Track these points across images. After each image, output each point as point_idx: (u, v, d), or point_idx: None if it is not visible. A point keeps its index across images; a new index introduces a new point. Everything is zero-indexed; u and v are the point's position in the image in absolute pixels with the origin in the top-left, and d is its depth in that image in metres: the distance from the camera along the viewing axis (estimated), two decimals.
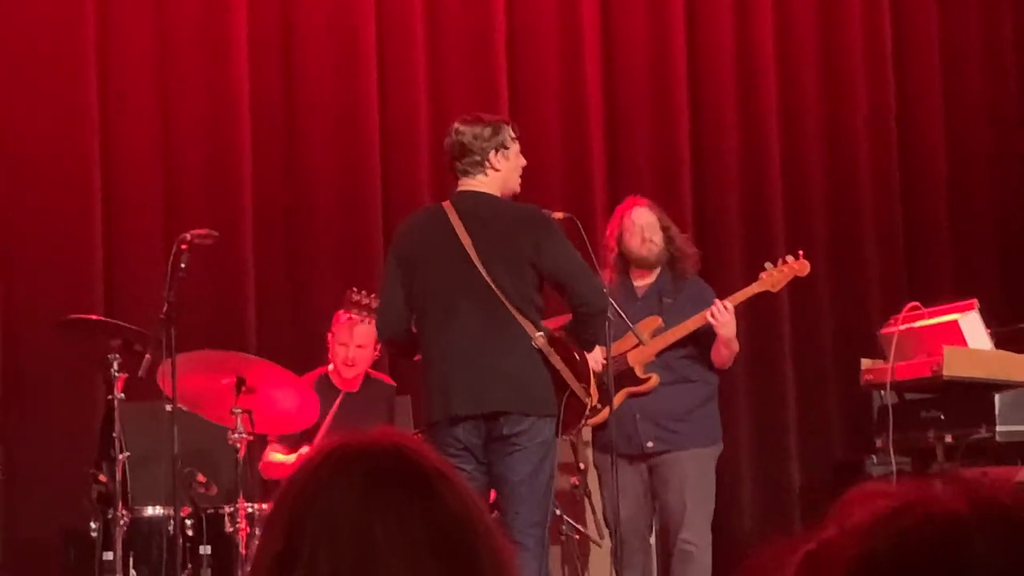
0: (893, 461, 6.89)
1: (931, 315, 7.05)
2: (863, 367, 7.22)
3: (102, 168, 7.76)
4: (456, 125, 5.79)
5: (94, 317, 6.78)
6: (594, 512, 6.82)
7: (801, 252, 6.80)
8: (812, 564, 1.26)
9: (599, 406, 6.66)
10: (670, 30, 8.58)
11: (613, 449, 6.33)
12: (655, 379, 6.58)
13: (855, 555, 1.22)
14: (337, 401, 6.59)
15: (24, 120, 7.72)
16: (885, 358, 7.00)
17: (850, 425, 8.34)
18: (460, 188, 5.74)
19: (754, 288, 6.73)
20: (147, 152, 7.86)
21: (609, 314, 6.16)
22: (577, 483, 6.82)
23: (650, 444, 6.56)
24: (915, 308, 7.09)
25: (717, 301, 6.55)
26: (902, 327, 6.98)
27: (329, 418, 6.51)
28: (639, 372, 6.58)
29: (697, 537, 6.53)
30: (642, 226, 6.72)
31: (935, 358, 6.74)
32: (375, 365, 6.96)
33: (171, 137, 7.91)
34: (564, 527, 6.80)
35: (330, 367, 6.85)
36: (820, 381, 8.57)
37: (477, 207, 5.67)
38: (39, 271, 7.62)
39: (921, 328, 7.01)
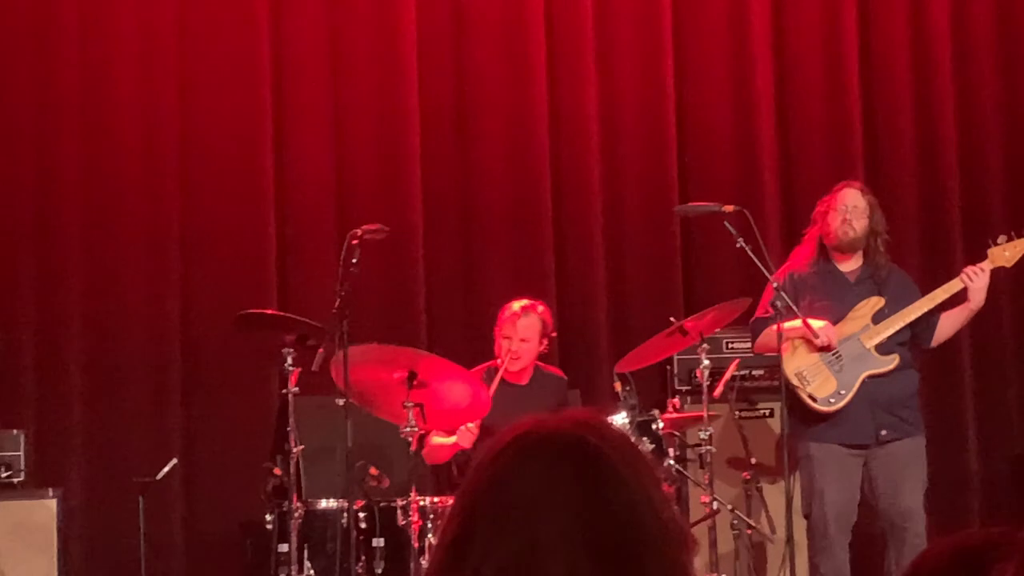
0: None
1: None
2: None
3: (276, 167, 7.88)
4: None
5: (269, 312, 6.89)
6: (765, 507, 6.73)
7: None
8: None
9: (844, 392, 6.49)
10: (841, 15, 8.41)
11: (785, 440, 6.25)
12: (897, 359, 6.48)
13: None
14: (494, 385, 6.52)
15: (201, 121, 7.86)
16: None
17: None
18: None
19: (985, 266, 6.53)
20: (319, 149, 7.95)
21: (779, 305, 6.12)
22: (749, 478, 6.73)
23: (884, 432, 6.45)
24: None
25: (970, 267, 6.46)
26: None
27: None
28: (878, 353, 6.49)
29: (923, 528, 6.39)
30: (848, 207, 6.57)
31: None
32: (543, 358, 6.95)
33: (342, 134, 8.00)
34: (735, 521, 6.72)
35: (499, 361, 6.85)
36: (999, 370, 8.35)
37: None
38: (216, 268, 7.76)
39: None
